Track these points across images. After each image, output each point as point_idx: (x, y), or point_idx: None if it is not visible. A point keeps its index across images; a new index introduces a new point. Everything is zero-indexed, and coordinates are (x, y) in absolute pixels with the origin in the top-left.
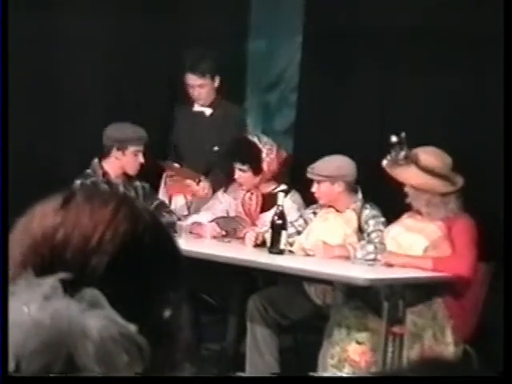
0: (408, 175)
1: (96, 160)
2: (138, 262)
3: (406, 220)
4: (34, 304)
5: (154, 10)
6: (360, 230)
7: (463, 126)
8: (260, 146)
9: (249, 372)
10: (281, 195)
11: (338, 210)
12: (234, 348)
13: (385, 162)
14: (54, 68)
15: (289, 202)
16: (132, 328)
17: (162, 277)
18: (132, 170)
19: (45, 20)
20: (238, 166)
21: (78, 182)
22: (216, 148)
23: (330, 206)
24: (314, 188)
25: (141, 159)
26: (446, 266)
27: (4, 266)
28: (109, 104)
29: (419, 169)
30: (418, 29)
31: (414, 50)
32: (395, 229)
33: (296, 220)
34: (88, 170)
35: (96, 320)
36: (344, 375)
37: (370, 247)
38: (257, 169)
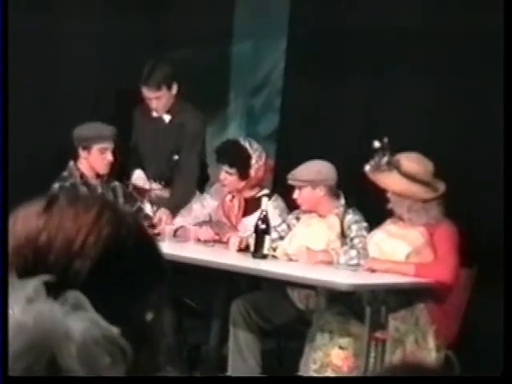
0: (389, 181)
1: (72, 162)
2: (120, 266)
3: (388, 226)
4: (18, 306)
5: (142, 10)
6: (343, 235)
7: (445, 131)
8: (250, 151)
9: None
10: (264, 200)
11: (320, 215)
12: (216, 352)
13: (367, 168)
14: (53, 68)
15: (271, 207)
16: (115, 330)
17: (144, 280)
18: (101, 168)
19: (45, 20)
20: (225, 168)
21: (56, 185)
22: (176, 157)
23: (312, 212)
24: (296, 194)
25: (109, 157)
26: (429, 271)
27: (4, 268)
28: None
29: (401, 175)
30: (406, 30)
31: (400, 52)
32: (378, 235)
33: (279, 225)
34: (65, 173)
35: (79, 322)
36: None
37: (353, 252)
38: (244, 174)
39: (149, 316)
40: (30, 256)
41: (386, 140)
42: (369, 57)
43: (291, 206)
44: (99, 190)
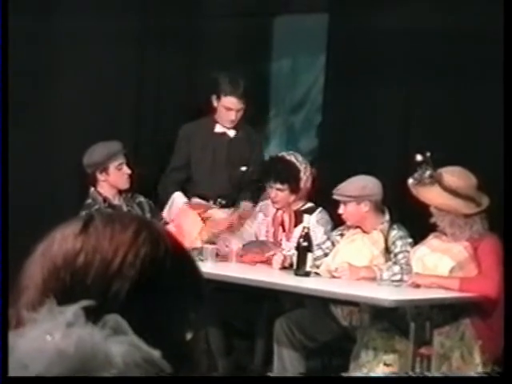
0: (431, 195)
1: (92, 188)
2: (159, 286)
3: (431, 241)
4: (58, 332)
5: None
6: (387, 250)
7: (490, 143)
8: (298, 164)
9: None
10: (306, 217)
11: (364, 231)
12: (261, 371)
13: (410, 181)
14: (53, 68)
15: (314, 220)
16: (156, 354)
17: (183, 300)
18: (122, 184)
19: (45, 20)
20: (276, 185)
21: (83, 213)
22: (243, 168)
23: (357, 227)
24: (341, 209)
25: (126, 171)
26: (473, 286)
27: (4, 271)
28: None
29: (442, 189)
30: (443, 42)
31: (439, 65)
32: (421, 249)
33: (323, 242)
34: (88, 201)
35: (119, 346)
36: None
37: (396, 268)
38: (295, 188)
39: (188, 336)
40: (67, 279)
41: (428, 153)
42: (407, 70)
43: (334, 220)
44: (124, 208)
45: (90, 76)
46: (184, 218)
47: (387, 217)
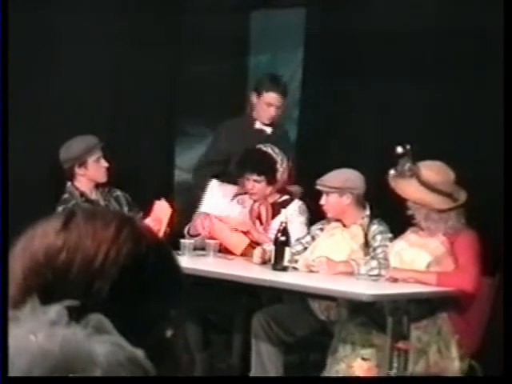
0: (408, 189)
1: (69, 183)
2: (141, 283)
3: (409, 235)
4: (41, 332)
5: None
6: (367, 245)
7: (466, 137)
8: (274, 156)
9: None
10: (283, 212)
11: (344, 225)
12: (239, 366)
13: (391, 173)
14: (53, 68)
15: (292, 210)
16: (139, 353)
17: (165, 296)
18: (101, 177)
19: (45, 20)
20: (252, 177)
21: (60, 208)
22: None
23: (337, 220)
24: (323, 200)
25: (104, 164)
26: (450, 280)
27: (4, 270)
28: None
29: (419, 183)
30: (419, 38)
31: (416, 60)
32: (399, 244)
33: (303, 237)
34: (65, 195)
35: (103, 345)
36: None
37: (374, 263)
38: (272, 180)
39: (168, 332)
40: (49, 276)
41: (408, 146)
42: (385, 65)
43: (313, 214)
44: (101, 202)
45: (68, 74)
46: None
47: (368, 211)
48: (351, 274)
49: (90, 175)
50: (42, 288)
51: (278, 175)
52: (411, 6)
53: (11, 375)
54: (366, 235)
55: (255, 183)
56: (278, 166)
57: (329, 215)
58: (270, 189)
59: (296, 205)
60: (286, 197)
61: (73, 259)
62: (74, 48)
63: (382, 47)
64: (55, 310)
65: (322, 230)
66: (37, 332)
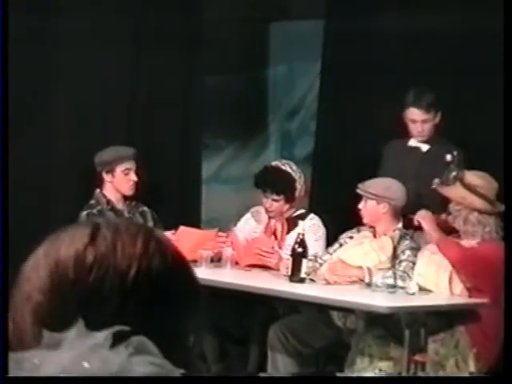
0: (450, 190)
1: (98, 190)
2: (169, 296)
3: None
4: (91, 358)
5: (169, 38)
6: (394, 258)
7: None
8: (293, 174)
9: None
10: (300, 224)
11: (375, 236)
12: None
13: (435, 182)
14: (52, 70)
15: (306, 226)
16: (177, 374)
17: (186, 308)
18: (126, 189)
19: (45, 20)
20: (272, 196)
21: (84, 213)
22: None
23: (370, 228)
24: (361, 205)
25: (132, 177)
26: (447, 247)
27: (4, 269)
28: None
29: (462, 186)
30: (439, 45)
31: (434, 67)
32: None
33: (332, 245)
34: (92, 201)
35: (144, 367)
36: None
37: (389, 273)
38: (291, 198)
39: (190, 343)
40: (82, 293)
41: (455, 153)
42: (401, 77)
43: (331, 225)
44: (125, 214)
45: (93, 79)
46: None
47: (400, 224)
48: (362, 280)
49: (116, 184)
50: (75, 304)
51: (297, 193)
52: (429, 12)
53: None
54: (395, 248)
55: (273, 202)
56: (297, 184)
57: (364, 220)
58: (287, 206)
59: (311, 221)
60: (301, 211)
61: (105, 276)
62: (91, 62)
63: (401, 55)
64: (103, 336)
65: (351, 237)
66: (88, 358)
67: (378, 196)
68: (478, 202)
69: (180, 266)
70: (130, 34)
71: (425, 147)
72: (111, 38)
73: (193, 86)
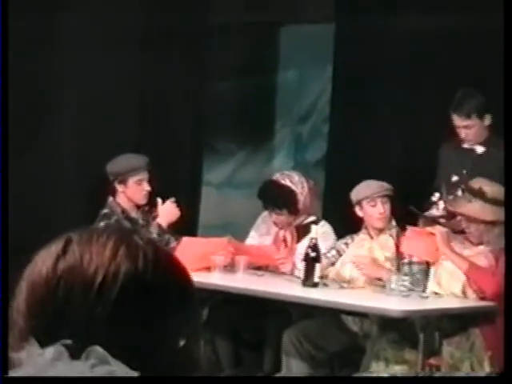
0: (474, 209)
1: (111, 198)
2: (141, 301)
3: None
4: (51, 371)
5: (180, 42)
6: (398, 253)
7: None
8: (293, 187)
9: None
10: (313, 228)
11: (371, 237)
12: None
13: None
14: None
15: (322, 230)
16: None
17: (172, 310)
18: (139, 199)
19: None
20: (275, 210)
21: (101, 223)
22: (464, 171)
23: (365, 229)
24: (382, 208)
25: (146, 187)
26: (478, 276)
27: (4, 269)
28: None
29: (483, 201)
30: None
31: (442, 70)
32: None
33: (329, 251)
34: (105, 210)
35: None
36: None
37: (406, 278)
38: (294, 211)
39: (180, 344)
40: (50, 307)
41: (443, 188)
42: (411, 80)
43: (340, 230)
44: (141, 222)
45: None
46: None
47: (394, 222)
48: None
49: (129, 195)
50: (45, 321)
51: (300, 205)
52: (441, 14)
53: None
54: (397, 246)
55: (278, 216)
56: (299, 196)
57: (380, 225)
58: (292, 217)
59: (322, 228)
60: (311, 218)
61: (72, 286)
62: (99, 60)
63: (413, 59)
64: (51, 351)
65: (346, 244)
66: (47, 372)
67: (389, 195)
68: (487, 211)
69: (160, 270)
70: (141, 35)
71: (480, 149)
72: (121, 41)
73: (203, 90)
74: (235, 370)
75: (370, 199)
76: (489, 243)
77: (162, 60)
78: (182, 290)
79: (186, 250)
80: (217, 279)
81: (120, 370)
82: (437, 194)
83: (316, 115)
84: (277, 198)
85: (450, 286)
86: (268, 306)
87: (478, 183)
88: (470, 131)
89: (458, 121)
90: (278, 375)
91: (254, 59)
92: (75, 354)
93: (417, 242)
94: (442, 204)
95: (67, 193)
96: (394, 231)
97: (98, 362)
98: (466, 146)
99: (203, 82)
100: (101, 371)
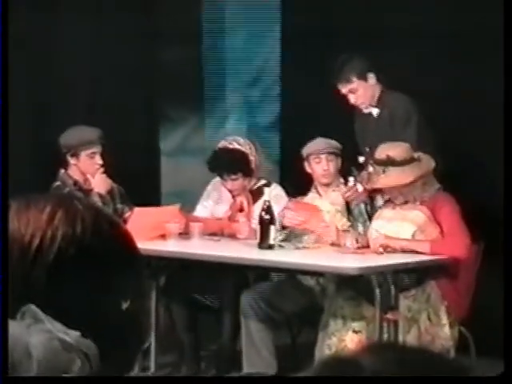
0: (387, 180)
1: (62, 171)
2: (81, 264)
3: (383, 212)
4: None
5: (128, 9)
6: (348, 211)
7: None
8: (243, 149)
9: (246, 369)
10: (266, 190)
11: (320, 195)
12: (230, 346)
13: (351, 180)
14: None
15: (275, 191)
16: (72, 336)
17: (110, 273)
18: (92, 173)
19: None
20: (229, 177)
21: None
22: (367, 149)
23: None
24: (325, 165)
25: (98, 161)
26: (443, 247)
27: (4, 269)
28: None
29: (378, 167)
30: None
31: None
32: (377, 223)
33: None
34: (57, 183)
35: (37, 336)
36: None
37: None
38: (248, 172)
39: (124, 305)
40: None
41: (367, 149)
42: (365, 41)
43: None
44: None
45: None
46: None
47: (342, 179)
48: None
49: (81, 168)
50: None
51: (253, 165)
52: None
53: None
54: (347, 203)
55: (233, 181)
56: (250, 156)
57: (325, 181)
58: (247, 180)
59: (274, 191)
60: (263, 181)
61: (10, 250)
62: (50, 30)
63: (363, 16)
64: None
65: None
66: None
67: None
68: (402, 175)
69: (100, 234)
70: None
71: (375, 111)
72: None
73: (154, 60)
74: (192, 334)
75: (315, 156)
76: (415, 199)
77: (112, 29)
78: (123, 255)
79: (140, 220)
80: (172, 246)
81: (56, 328)
82: (351, 179)
83: (266, 77)
84: (230, 162)
85: (398, 235)
86: (225, 271)
87: (383, 152)
88: (357, 94)
89: (342, 88)
90: (278, 375)
91: (201, 25)
92: (11, 313)
93: (298, 214)
94: (360, 186)
95: (20, 165)
96: (342, 187)
97: (33, 321)
98: (365, 111)
99: (153, 48)
100: (36, 329)
